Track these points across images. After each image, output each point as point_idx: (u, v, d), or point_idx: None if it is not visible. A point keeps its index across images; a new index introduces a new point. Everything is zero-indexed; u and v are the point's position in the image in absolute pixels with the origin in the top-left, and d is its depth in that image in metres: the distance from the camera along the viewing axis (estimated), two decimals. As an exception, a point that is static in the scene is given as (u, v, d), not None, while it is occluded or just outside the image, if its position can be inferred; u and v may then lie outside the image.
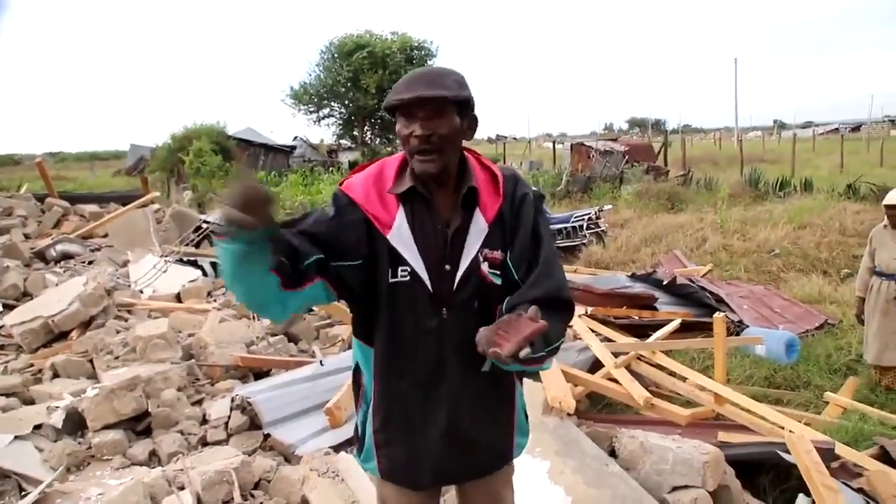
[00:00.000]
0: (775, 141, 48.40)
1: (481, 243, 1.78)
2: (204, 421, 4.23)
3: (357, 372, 1.95)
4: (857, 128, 54.95)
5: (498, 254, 1.80)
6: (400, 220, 1.75)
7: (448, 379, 1.81)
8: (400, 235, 1.74)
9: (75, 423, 4.05)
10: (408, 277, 1.75)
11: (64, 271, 7.88)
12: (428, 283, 1.75)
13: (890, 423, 4.47)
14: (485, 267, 1.78)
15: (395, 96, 1.72)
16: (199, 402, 4.49)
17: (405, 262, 1.74)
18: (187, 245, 8.91)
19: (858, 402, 4.83)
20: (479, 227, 1.79)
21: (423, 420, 1.84)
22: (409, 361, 1.81)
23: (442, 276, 1.76)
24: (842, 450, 3.69)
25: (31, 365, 5.24)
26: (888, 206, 5.05)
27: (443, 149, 1.72)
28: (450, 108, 1.72)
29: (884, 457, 3.75)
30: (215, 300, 7.07)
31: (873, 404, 4.84)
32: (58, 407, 4.14)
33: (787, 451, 3.44)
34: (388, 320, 1.78)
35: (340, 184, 1.86)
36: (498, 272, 1.79)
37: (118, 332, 5.63)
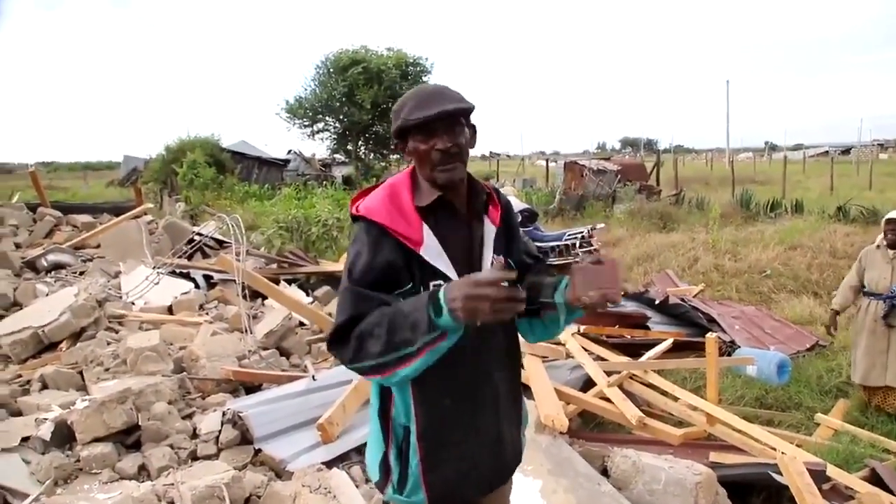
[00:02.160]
0: (766, 162, 48.77)
1: (493, 249, 1.88)
2: (194, 435, 4.19)
3: (384, 406, 1.87)
4: (846, 150, 55.44)
5: (502, 258, 1.91)
6: (427, 233, 1.77)
7: (487, 386, 1.86)
8: (431, 248, 1.77)
9: (64, 436, 4.00)
10: None
11: (55, 281, 7.83)
12: None
13: (880, 446, 4.49)
14: None
15: (414, 115, 1.75)
16: (189, 416, 4.45)
17: (437, 276, 1.76)
18: (180, 257, 8.88)
19: (849, 423, 4.85)
20: (490, 233, 1.89)
21: (472, 433, 1.85)
22: (450, 377, 1.79)
23: None
24: (833, 472, 3.70)
25: (20, 376, 5.18)
26: (889, 221, 5.09)
27: (462, 157, 1.81)
28: (462, 119, 1.82)
29: (874, 479, 3.76)
30: (207, 313, 7.04)
31: (864, 426, 4.86)
32: (46, 419, 4.09)
33: (779, 473, 3.45)
34: None
35: (355, 209, 1.84)
36: None
37: (109, 343, 5.59)
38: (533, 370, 4.63)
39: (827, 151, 54.06)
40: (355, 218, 1.84)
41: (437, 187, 1.80)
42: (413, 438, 1.81)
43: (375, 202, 1.82)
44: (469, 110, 1.82)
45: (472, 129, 1.88)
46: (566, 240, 10.95)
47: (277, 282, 7.82)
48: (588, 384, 5.04)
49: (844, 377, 5.67)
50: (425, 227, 1.78)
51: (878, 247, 5.21)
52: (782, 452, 3.80)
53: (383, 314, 1.64)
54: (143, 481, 3.68)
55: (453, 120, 1.77)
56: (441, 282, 1.75)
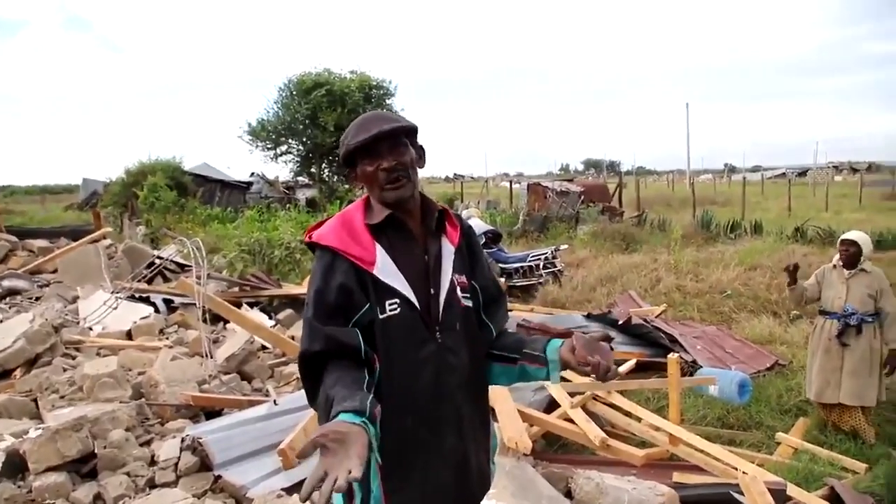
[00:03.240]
0: (726, 184, 49.68)
1: (452, 268, 1.90)
2: (153, 462, 4.10)
3: None
4: (803, 172, 56.77)
5: (465, 279, 1.94)
6: (380, 253, 1.81)
7: (450, 406, 1.85)
8: (384, 267, 1.80)
9: (16, 466, 3.88)
10: (397, 310, 1.80)
11: (10, 307, 7.66)
12: (419, 307, 1.81)
13: (839, 464, 4.55)
14: (458, 291, 1.90)
15: (356, 139, 1.82)
16: (148, 443, 4.35)
17: (393, 294, 1.80)
18: (140, 281, 8.73)
19: (809, 442, 4.91)
20: (449, 253, 1.91)
21: (436, 455, 1.83)
22: (410, 395, 1.80)
23: (430, 300, 1.84)
24: (793, 491, 3.74)
25: (-29, 404, 5.03)
26: (843, 241, 5.21)
27: (409, 175, 1.85)
28: (405, 138, 1.87)
29: (834, 498, 3.80)
30: (167, 337, 6.92)
31: (823, 444, 4.92)
32: (-3, 448, 3.98)
33: (741, 493, 3.48)
34: (384, 358, 1.79)
35: (309, 238, 1.89)
36: (468, 295, 1.93)
37: (65, 370, 5.46)
38: (496, 392, 4.61)
39: (784, 173, 55.33)
40: (310, 246, 1.89)
41: (387, 206, 1.84)
42: (376, 459, 1.78)
43: (327, 229, 1.87)
44: (411, 130, 1.89)
45: (419, 149, 1.93)
46: (530, 261, 11.01)
47: (239, 305, 7.73)
48: (552, 405, 5.04)
49: (804, 396, 5.74)
50: (378, 246, 1.82)
51: (833, 266, 5.33)
52: (744, 472, 3.84)
53: (325, 389, 1.68)
54: (98, 512, 3.59)
55: (395, 140, 1.83)
56: (396, 302, 1.79)
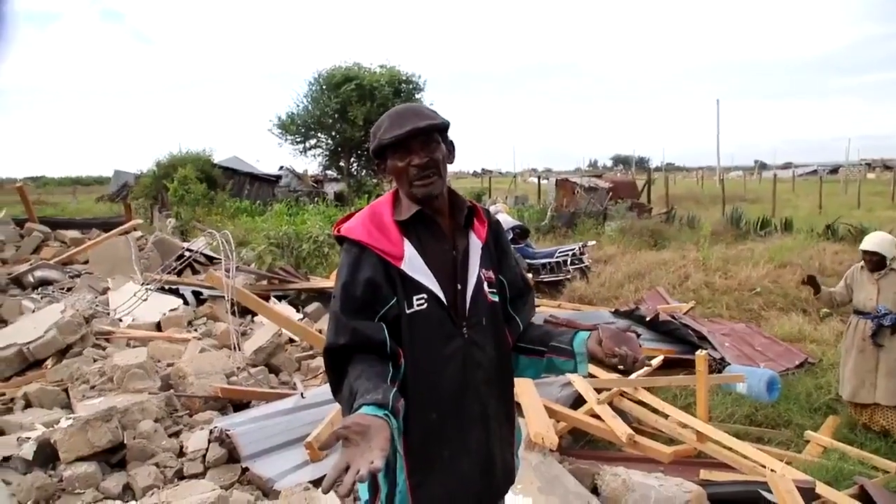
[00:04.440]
0: (756, 181, 49.06)
1: (479, 263, 1.89)
2: (181, 453, 4.15)
3: None
4: (835, 170, 55.82)
5: (492, 274, 1.93)
6: (408, 248, 1.81)
7: (475, 401, 1.85)
8: (412, 263, 1.80)
9: (47, 455, 3.94)
10: (424, 305, 1.80)
11: (41, 298, 7.78)
12: (446, 303, 1.81)
13: (869, 463, 4.49)
14: (485, 286, 1.89)
15: (388, 134, 1.81)
16: (176, 434, 4.41)
17: (420, 290, 1.80)
18: (169, 273, 8.83)
19: (838, 441, 4.85)
20: (476, 248, 1.90)
21: (461, 450, 1.83)
22: (436, 390, 1.81)
23: (456, 295, 1.84)
24: (822, 489, 3.69)
25: (3, 394, 5.13)
26: (865, 252, 5.13)
27: (439, 172, 1.84)
28: (438, 135, 1.86)
29: (863, 496, 3.74)
30: (196, 329, 7.00)
31: (853, 443, 4.85)
32: (29, 438, 4.03)
33: (769, 491, 3.44)
34: (409, 353, 1.79)
35: (337, 232, 1.89)
36: (495, 290, 1.92)
37: (95, 360, 5.54)
38: (523, 387, 4.61)
39: (816, 171, 54.38)
40: (339, 239, 1.89)
41: (417, 202, 1.84)
42: (400, 454, 1.79)
43: (355, 222, 1.87)
44: (443, 126, 1.87)
45: (450, 144, 1.93)
46: (557, 257, 10.96)
47: (267, 298, 7.79)
48: (578, 401, 5.02)
49: (833, 394, 5.67)
50: (406, 241, 1.82)
51: (862, 267, 5.23)
52: (772, 470, 3.80)
53: (349, 382, 1.68)
54: (127, 501, 3.64)
55: (428, 137, 1.82)
56: (423, 297, 1.79)
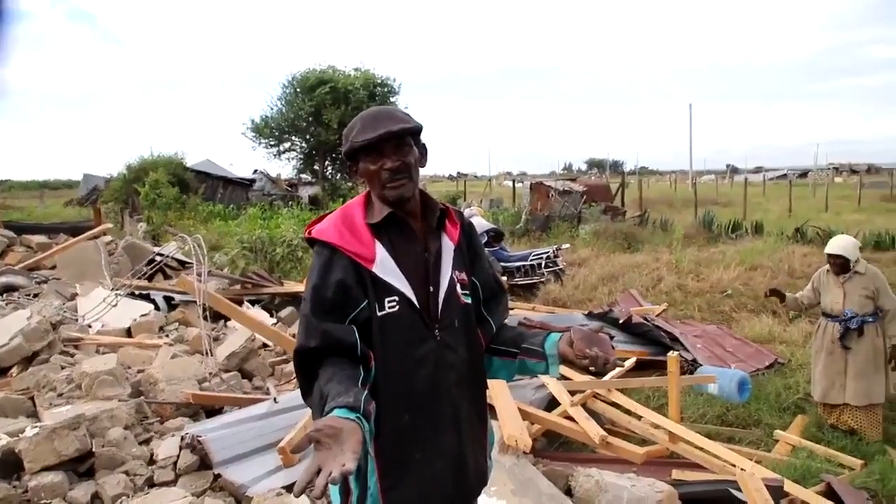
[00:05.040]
0: (728, 184, 49.61)
1: (452, 265, 1.89)
2: (151, 461, 4.09)
3: None
4: (804, 174, 56.75)
5: (465, 276, 1.93)
6: (380, 250, 1.81)
7: (447, 402, 1.85)
8: (384, 265, 1.80)
9: (11, 465, 3.83)
10: (396, 307, 1.79)
11: (6, 304, 7.64)
12: (418, 305, 1.81)
13: (835, 461, 4.57)
14: (458, 288, 1.89)
15: (361, 137, 1.81)
16: (147, 442, 4.34)
17: (391, 292, 1.79)
18: (140, 278, 8.72)
19: (806, 439, 4.92)
20: (448, 250, 1.91)
21: (433, 452, 1.83)
22: (408, 392, 1.80)
23: (429, 297, 1.84)
24: (790, 487, 3.76)
25: (-33, 402, 5.02)
26: (829, 255, 5.20)
27: (411, 175, 1.84)
28: (411, 138, 1.86)
29: (830, 494, 3.81)
30: (167, 335, 6.92)
31: (820, 442, 4.93)
32: (-7, 447, 3.95)
33: (739, 489, 3.48)
34: (381, 355, 1.78)
35: (309, 234, 1.89)
36: (468, 292, 1.92)
37: (63, 368, 5.44)
38: (496, 389, 4.62)
39: (785, 174, 55.23)
40: (310, 241, 1.88)
41: (389, 204, 1.84)
42: (371, 457, 1.79)
43: (327, 224, 1.87)
44: (416, 130, 1.87)
45: (422, 148, 1.93)
46: (532, 260, 11.00)
47: (240, 303, 7.73)
48: (552, 403, 5.04)
49: (802, 394, 5.75)
50: (378, 244, 1.81)
51: (828, 270, 5.30)
52: (741, 469, 3.84)
53: (319, 385, 1.67)
54: (96, 510, 3.58)
55: (400, 140, 1.83)
56: (395, 299, 1.79)
